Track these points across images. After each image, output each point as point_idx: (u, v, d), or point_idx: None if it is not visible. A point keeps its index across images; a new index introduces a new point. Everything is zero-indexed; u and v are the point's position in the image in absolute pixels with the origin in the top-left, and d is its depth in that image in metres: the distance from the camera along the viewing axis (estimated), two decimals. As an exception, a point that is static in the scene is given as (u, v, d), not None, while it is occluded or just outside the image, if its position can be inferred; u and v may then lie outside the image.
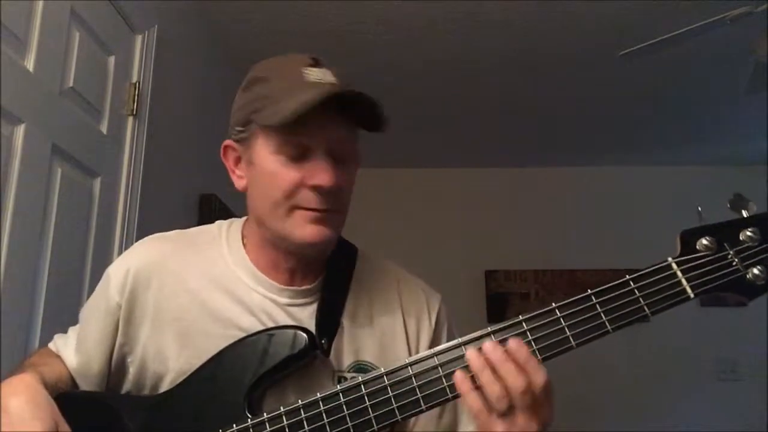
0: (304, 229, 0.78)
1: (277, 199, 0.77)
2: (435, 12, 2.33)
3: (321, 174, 0.76)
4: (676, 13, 2.23)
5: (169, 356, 0.81)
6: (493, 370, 0.67)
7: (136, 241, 0.93)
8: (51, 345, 0.90)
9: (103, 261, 1.52)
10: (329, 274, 0.86)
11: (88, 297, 0.90)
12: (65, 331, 0.92)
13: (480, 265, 3.90)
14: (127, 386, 0.84)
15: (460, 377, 0.68)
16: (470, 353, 0.69)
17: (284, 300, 0.83)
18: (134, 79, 1.76)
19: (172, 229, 0.93)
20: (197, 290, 0.82)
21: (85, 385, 0.85)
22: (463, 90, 3.02)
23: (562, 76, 2.84)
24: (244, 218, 0.91)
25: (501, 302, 3.80)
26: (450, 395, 0.70)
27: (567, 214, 3.95)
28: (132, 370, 0.83)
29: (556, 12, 2.31)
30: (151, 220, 1.80)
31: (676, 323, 3.73)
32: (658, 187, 3.90)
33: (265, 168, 0.78)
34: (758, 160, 3.64)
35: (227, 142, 0.84)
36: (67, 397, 0.78)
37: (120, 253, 1.45)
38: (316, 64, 0.79)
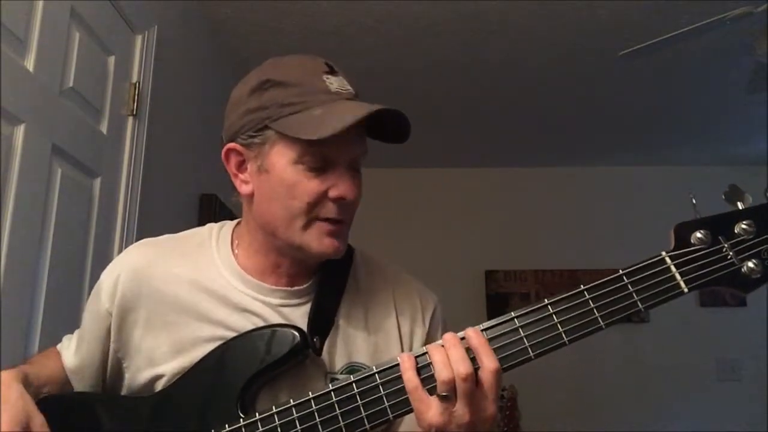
0: (321, 241, 0.77)
1: (297, 210, 0.77)
2: (435, 12, 2.33)
3: (344, 187, 0.76)
4: (676, 13, 2.23)
5: (161, 361, 0.81)
6: (447, 357, 0.69)
7: (137, 241, 0.93)
8: (59, 345, 0.92)
9: (103, 261, 1.52)
10: (324, 274, 0.86)
11: (88, 297, 0.90)
12: (64, 331, 0.93)
13: (480, 265, 3.90)
14: (123, 391, 0.85)
15: (405, 355, 0.71)
16: (430, 346, 0.71)
17: (276, 301, 0.83)
18: (134, 79, 1.76)
19: (172, 230, 0.93)
20: (187, 295, 0.82)
21: (80, 386, 0.85)
22: (463, 90, 3.02)
23: (563, 76, 2.84)
24: (236, 221, 0.90)
25: (501, 302, 3.80)
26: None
27: (567, 214, 3.95)
28: (127, 375, 0.84)
29: (556, 12, 2.31)
30: (151, 220, 1.80)
31: (676, 323, 3.73)
32: (658, 187, 3.90)
33: (284, 178, 0.77)
34: (758, 160, 3.64)
35: (231, 145, 0.81)
36: (53, 399, 0.79)
37: (120, 253, 1.45)
38: (331, 71, 0.79)
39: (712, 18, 1.90)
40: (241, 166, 0.81)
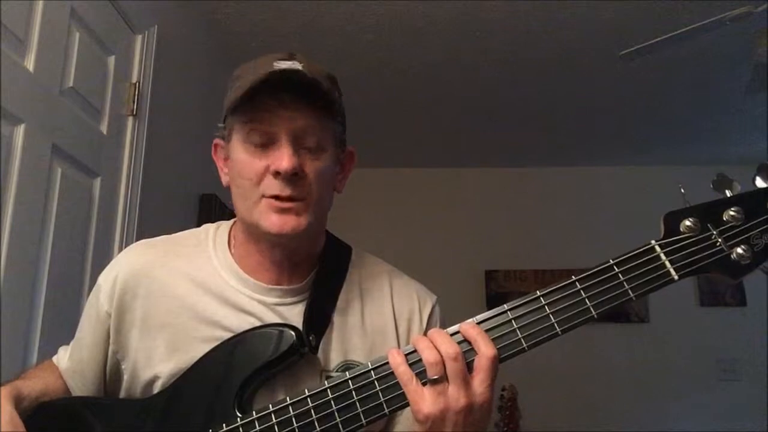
0: (269, 218, 0.77)
1: (247, 189, 0.79)
2: (435, 12, 2.33)
3: (279, 159, 0.76)
4: (676, 13, 2.23)
5: (159, 362, 0.81)
6: (432, 342, 0.70)
7: (136, 241, 0.93)
8: (54, 357, 0.91)
9: (103, 261, 1.52)
10: (320, 273, 0.86)
11: (88, 297, 0.90)
12: (64, 331, 0.93)
13: (480, 265, 3.90)
14: (122, 393, 0.85)
15: (393, 351, 0.71)
16: (415, 338, 0.72)
17: (272, 300, 0.83)
18: (134, 79, 1.76)
19: (172, 230, 0.94)
20: (184, 295, 0.83)
21: (80, 391, 0.85)
22: (463, 90, 3.02)
23: (562, 76, 2.84)
24: (232, 220, 0.91)
25: (501, 302, 3.72)
26: None
27: (567, 214, 3.95)
28: (126, 377, 0.84)
29: (556, 12, 2.31)
30: (151, 220, 1.80)
31: (676, 323, 3.73)
32: (658, 187, 3.89)
33: (236, 159, 0.80)
34: (758, 160, 3.63)
35: (216, 140, 0.86)
36: (52, 404, 0.79)
37: (119, 253, 1.45)
38: (289, 57, 0.79)
39: (712, 18, 1.90)
40: (225, 159, 0.85)
